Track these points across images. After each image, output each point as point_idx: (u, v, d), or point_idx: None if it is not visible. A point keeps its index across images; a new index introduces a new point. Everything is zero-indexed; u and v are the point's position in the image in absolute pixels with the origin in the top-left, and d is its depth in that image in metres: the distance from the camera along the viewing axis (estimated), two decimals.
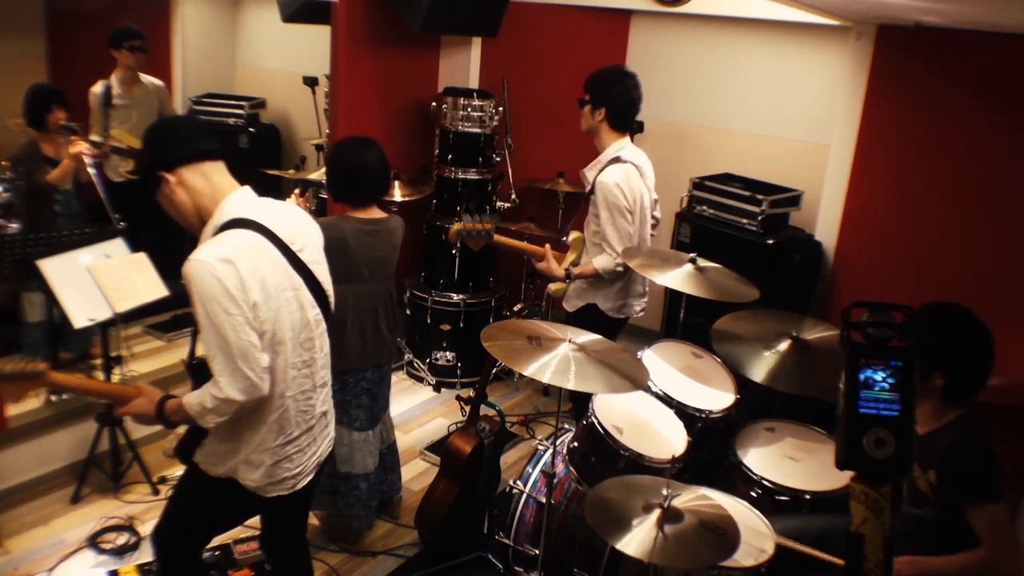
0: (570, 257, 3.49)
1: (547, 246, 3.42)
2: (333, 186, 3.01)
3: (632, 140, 4.41)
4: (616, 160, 3.22)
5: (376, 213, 3.01)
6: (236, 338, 1.90)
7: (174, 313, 4.59)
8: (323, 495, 3.12)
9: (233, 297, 1.89)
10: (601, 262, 3.23)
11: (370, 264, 2.97)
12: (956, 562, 2.12)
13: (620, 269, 3.24)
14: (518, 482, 2.98)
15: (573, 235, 3.53)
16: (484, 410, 3.24)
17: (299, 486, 2.18)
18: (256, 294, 1.93)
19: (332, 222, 2.89)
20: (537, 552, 2.78)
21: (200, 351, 2.17)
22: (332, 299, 2.23)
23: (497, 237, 3.36)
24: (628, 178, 3.19)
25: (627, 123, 3.30)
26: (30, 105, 3.97)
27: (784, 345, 2.84)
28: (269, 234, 2.01)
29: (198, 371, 2.05)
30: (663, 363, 3.15)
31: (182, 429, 2.17)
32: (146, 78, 4.74)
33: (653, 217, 3.48)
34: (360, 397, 3.07)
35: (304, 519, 2.49)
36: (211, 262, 1.88)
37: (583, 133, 3.36)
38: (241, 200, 2.04)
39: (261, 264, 1.96)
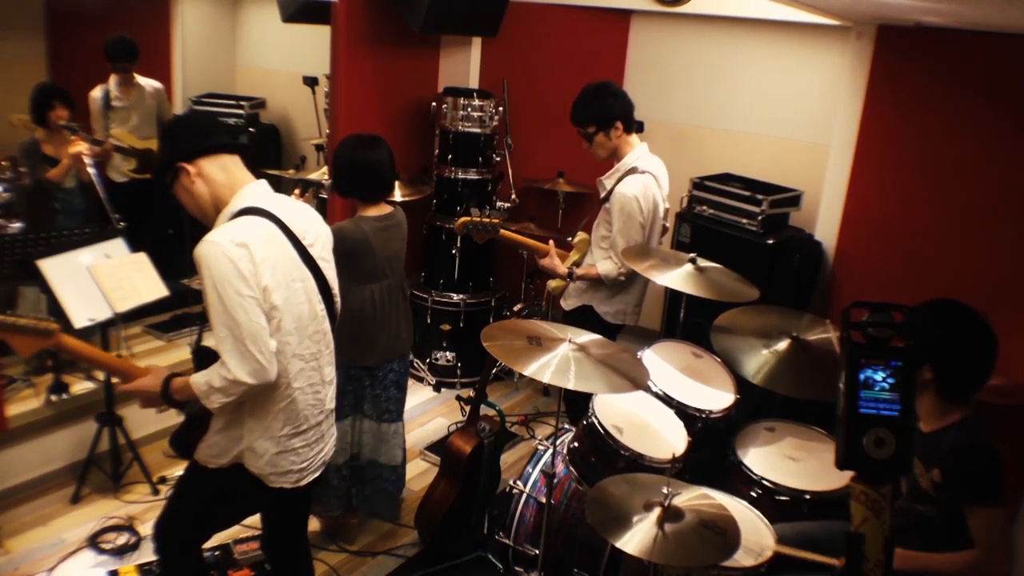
0: (573, 257, 3.49)
1: (551, 243, 3.42)
2: (342, 183, 3.02)
3: None
4: (633, 170, 3.22)
5: (385, 208, 3.05)
6: (247, 319, 1.91)
7: (174, 313, 4.59)
8: (343, 491, 3.18)
9: (245, 279, 1.91)
10: (605, 268, 3.24)
11: (389, 259, 3.04)
12: (947, 560, 2.12)
13: (623, 279, 3.25)
14: (518, 482, 2.98)
15: (579, 236, 3.54)
16: (484, 410, 3.24)
17: (303, 482, 2.19)
18: (267, 279, 1.95)
19: (353, 225, 2.94)
20: (537, 552, 2.78)
21: (207, 340, 2.18)
22: (338, 299, 2.25)
23: (503, 232, 3.36)
24: (647, 191, 3.20)
25: (634, 122, 3.31)
26: (34, 102, 4.00)
27: (784, 345, 2.85)
28: (282, 225, 2.04)
29: (202, 355, 2.06)
30: (663, 363, 3.15)
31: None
32: (143, 80, 4.75)
33: (662, 226, 3.47)
34: (389, 389, 3.13)
35: (305, 518, 2.50)
36: (225, 244, 1.91)
37: (604, 161, 3.33)
38: (257, 191, 2.08)
39: (273, 251, 1.99)
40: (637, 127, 4.44)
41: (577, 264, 3.41)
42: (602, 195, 3.32)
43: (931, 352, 2.13)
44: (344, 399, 3.04)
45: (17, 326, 2.05)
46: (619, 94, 3.26)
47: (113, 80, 4.61)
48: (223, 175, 2.06)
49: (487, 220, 3.26)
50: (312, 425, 2.17)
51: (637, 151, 3.27)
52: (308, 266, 2.10)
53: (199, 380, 1.99)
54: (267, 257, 1.96)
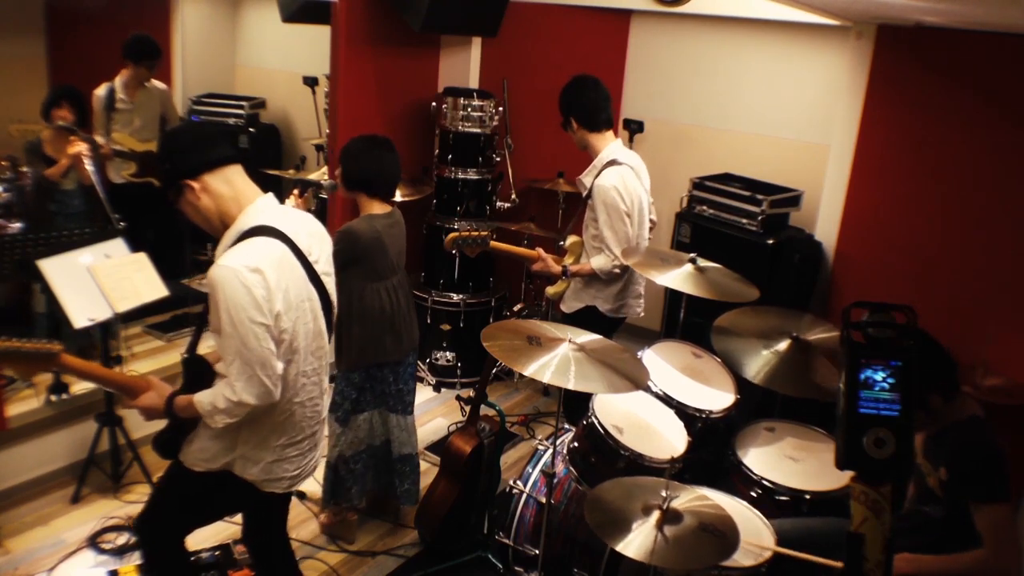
0: (568, 260, 3.49)
1: (539, 249, 3.42)
2: (351, 180, 3.04)
3: (631, 140, 4.45)
4: (612, 163, 3.22)
5: (387, 207, 3.10)
6: (257, 345, 1.92)
7: (174, 313, 4.59)
8: (350, 484, 3.19)
9: (259, 306, 1.91)
10: (599, 262, 3.24)
11: (397, 255, 3.10)
12: (956, 561, 2.12)
13: (617, 271, 3.25)
14: (518, 482, 2.98)
15: (571, 239, 3.54)
16: (484, 410, 3.24)
17: (294, 487, 2.21)
18: (280, 304, 1.96)
19: (366, 224, 2.99)
20: (537, 552, 2.78)
21: (201, 348, 2.18)
22: (335, 311, 2.27)
23: (493, 243, 3.36)
24: (625, 181, 3.20)
25: (602, 120, 3.29)
26: (46, 101, 4.03)
27: (784, 345, 2.84)
28: (291, 244, 2.03)
29: (192, 365, 2.06)
30: (663, 363, 3.15)
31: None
32: (150, 82, 4.74)
33: (650, 220, 3.48)
34: (409, 382, 3.21)
35: (285, 517, 2.50)
36: (240, 270, 1.90)
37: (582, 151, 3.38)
38: (264, 207, 2.06)
39: (284, 274, 1.99)
40: (636, 128, 4.46)
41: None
42: (583, 193, 3.33)
43: (931, 382, 2.16)
44: (363, 396, 3.11)
45: (21, 352, 2.02)
46: (580, 90, 3.28)
47: (119, 80, 4.59)
48: (228, 188, 2.04)
49: (475, 234, 3.28)
50: (307, 435, 2.18)
51: (611, 146, 3.29)
52: (314, 284, 2.10)
53: (203, 400, 2.00)
54: (280, 282, 1.96)
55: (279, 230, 2.02)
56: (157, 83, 4.81)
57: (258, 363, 1.93)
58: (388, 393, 3.15)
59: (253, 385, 1.93)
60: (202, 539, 2.91)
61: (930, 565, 2.14)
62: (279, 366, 1.98)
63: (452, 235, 3.30)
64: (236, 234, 2.01)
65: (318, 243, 2.16)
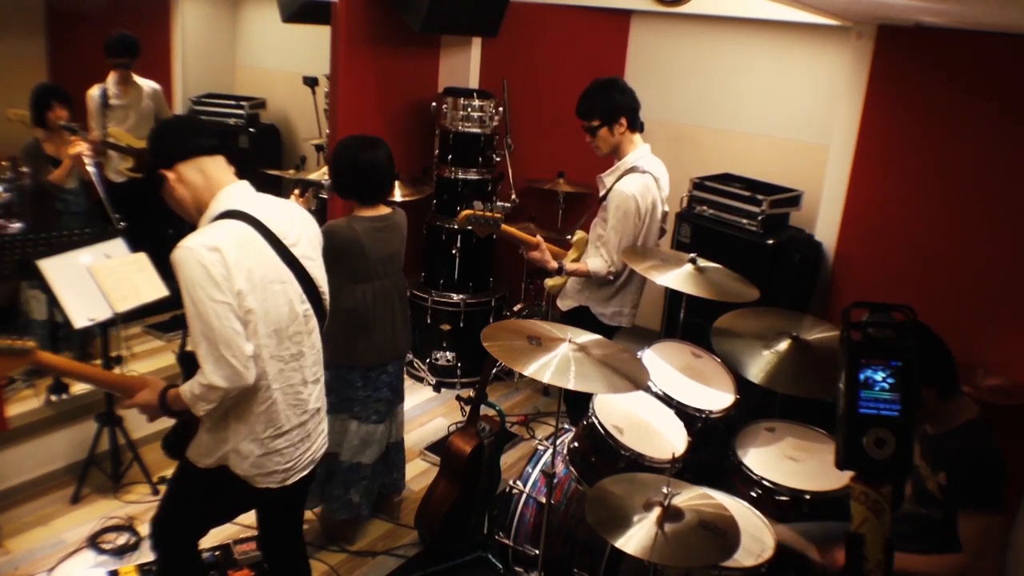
0: (571, 255, 3.48)
1: (539, 237, 3.40)
2: (340, 185, 3.01)
3: None
4: (633, 169, 3.21)
5: (383, 209, 3.04)
6: (220, 325, 1.92)
7: (174, 313, 4.58)
8: (323, 488, 3.14)
9: (218, 284, 1.92)
10: (595, 265, 3.22)
11: (384, 261, 3.02)
12: (932, 563, 2.11)
13: (611, 278, 3.23)
14: (518, 482, 2.98)
15: (578, 235, 3.53)
16: (484, 410, 3.24)
17: (289, 481, 2.19)
18: (241, 283, 1.95)
19: (344, 224, 2.93)
20: (537, 552, 2.78)
21: (191, 345, 2.18)
22: (327, 296, 2.25)
23: (503, 227, 3.36)
24: (646, 191, 3.19)
25: (639, 122, 3.30)
26: (33, 104, 4.00)
27: (784, 345, 2.84)
28: (260, 226, 2.04)
29: (186, 361, 2.07)
30: (663, 363, 3.15)
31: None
32: (141, 80, 4.76)
33: (662, 228, 3.46)
34: (382, 390, 3.11)
35: (299, 517, 2.50)
36: (198, 249, 1.92)
37: (606, 157, 3.31)
38: (236, 193, 2.09)
39: (248, 254, 1.99)
40: (639, 128, 4.45)
41: (574, 261, 3.40)
42: (601, 192, 3.31)
43: (925, 375, 2.14)
44: (330, 398, 2.94)
45: None
46: (627, 90, 3.26)
47: (111, 79, 4.62)
48: (201, 178, 2.07)
49: (489, 214, 3.26)
50: (295, 425, 2.16)
51: (639, 150, 3.26)
52: (291, 266, 2.09)
53: (185, 389, 2.00)
54: (241, 261, 1.96)
55: (246, 213, 2.03)
56: (151, 83, 4.83)
57: (223, 343, 1.92)
58: (354, 399, 3.06)
59: (221, 367, 1.93)
60: (202, 539, 2.90)
61: (905, 564, 2.13)
62: (247, 347, 1.97)
63: (467, 212, 3.26)
64: (208, 220, 2.04)
65: (298, 227, 2.16)
